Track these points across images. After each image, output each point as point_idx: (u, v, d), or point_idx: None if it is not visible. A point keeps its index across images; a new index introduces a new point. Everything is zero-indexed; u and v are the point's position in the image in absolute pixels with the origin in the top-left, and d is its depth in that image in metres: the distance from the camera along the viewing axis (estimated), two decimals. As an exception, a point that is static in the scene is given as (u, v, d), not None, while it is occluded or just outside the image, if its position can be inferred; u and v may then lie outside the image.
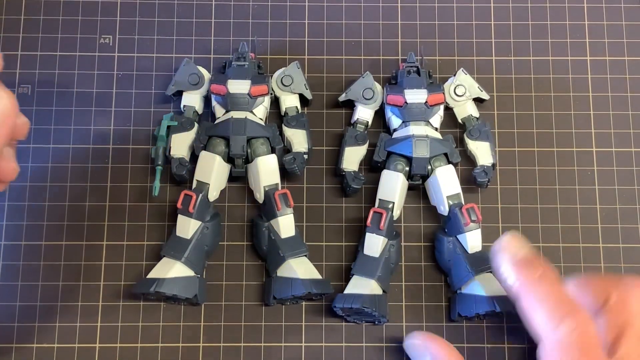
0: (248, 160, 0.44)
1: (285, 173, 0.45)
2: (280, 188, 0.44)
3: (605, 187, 0.47)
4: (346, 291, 0.43)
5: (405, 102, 0.44)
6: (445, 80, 0.47)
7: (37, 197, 0.46)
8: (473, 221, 0.43)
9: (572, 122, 0.48)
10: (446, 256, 0.44)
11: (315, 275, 0.43)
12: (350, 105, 0.47)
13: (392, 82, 0.47)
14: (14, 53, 0.48)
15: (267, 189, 0.44)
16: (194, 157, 0.45)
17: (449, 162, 0.44)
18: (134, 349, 0.43)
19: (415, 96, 0.44)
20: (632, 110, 0.48)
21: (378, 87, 0.46)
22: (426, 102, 0.44)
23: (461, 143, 0.46)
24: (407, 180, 0.44)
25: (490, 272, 0.42)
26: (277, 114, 0.47)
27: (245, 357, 0.44)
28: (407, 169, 0.44)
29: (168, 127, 0.45)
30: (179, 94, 0.46)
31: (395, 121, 0.45)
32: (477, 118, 0.46)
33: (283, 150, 0.45)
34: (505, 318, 0.44)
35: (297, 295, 0.42)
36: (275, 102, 0.47)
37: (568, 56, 0.49)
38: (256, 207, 0.46)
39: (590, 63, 0.49)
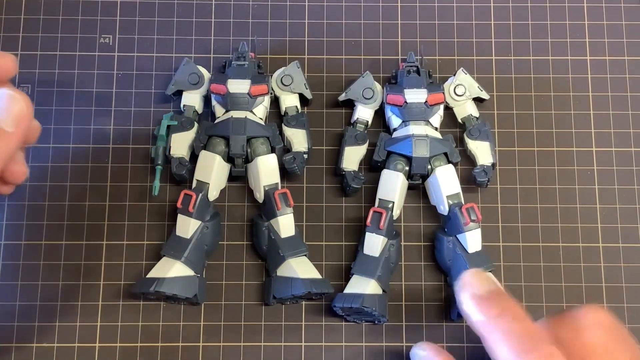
0: (248, 159, 0.44)
1: (285, 173, 0.45)
2: (280, 188, 0.44)
3: (605, 187, 0.47)
4: (346, 291, 0.43)
5: (405, 102, 0.44)
6: (445, 80, 0.47)
7: (37, 196, 0.46)
8: (473, 221, 0.43)
9: (572, 121, 0.48)
10: (446, 256, 0.44)
11: (315, 274, 0.43)
12: (350, 105, 0.47)
13: (392, 82, 0.47)
14: (14, 53, 0.48)
15: (267, 189, 0.44)
16: (193, 157, 0.45)
17: (449, 162, 0.44)
18: (134, 349, 0.43)
19: (415, 96, 0.44)
20: (632, 110, 0.48)
21: (378, 86, 0.46)
22: (426, 101, 0.44)
23: (461, 143, 0.46)
24: (407, 179, 0.44)
25: (491, 272, 0.42)
26: (277, 114, 0.47)
27: (245, 357, 0.44)
28: (407, 168, 0.44)
29: (168, 126, 0.45)
30: (178, 93, 0.46)
31: (395, 121, 0.45)
32: (477, 118, 0.46)
33: (283, 149, 0.45)
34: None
35: (297, 295, 0.42)
36: (275, 101, 0.47)
37: (568, 56, 0.49)
38: (256, 207, 0.46)
39: (590, 63, 0.49)
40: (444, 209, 0.44)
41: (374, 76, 0.47)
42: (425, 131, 0.44)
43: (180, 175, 0.44)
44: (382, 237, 0.43)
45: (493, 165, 0.45)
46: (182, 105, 0.46)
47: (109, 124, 0.47)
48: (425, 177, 0.44)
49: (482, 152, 0.45)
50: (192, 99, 0.46)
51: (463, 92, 0.46)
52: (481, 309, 0.34)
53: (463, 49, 0.49)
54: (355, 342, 0.44)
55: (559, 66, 0.49)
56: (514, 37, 0.49)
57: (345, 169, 0.45)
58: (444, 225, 0.45)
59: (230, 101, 0.44)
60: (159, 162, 0.45)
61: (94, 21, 0.49)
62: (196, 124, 0.45)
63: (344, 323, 0.44)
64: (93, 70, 0.48)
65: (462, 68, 0.46)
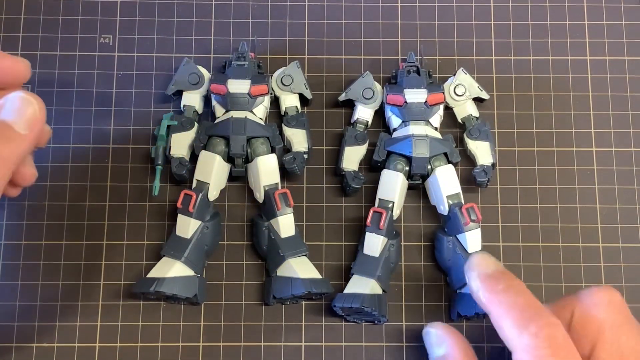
0: (248, 159, 0.44)
1: (285, 173, 0.45)
2: (280, 188, 0.44)
3: (605, 187, 0.47)
4: (346, 291, 0.43)
5: (405, 102, 0.44)
6: (445, 79, 0.47)
7: (37, 196, 0.46)
8: (473, 221, 0.43)
9: (572, 121, 0.48)
10: (446, 256, 0.44)
11: (315, 274, 0.43)
12: (350, 105, 0.47)
13: (392, 82, 0.47)
14: (13, 53, 0.48)
15: (267, 189, 0.44)
16: (194, 157, 0.45)
17: (449, 162, 0.44)
18: (134, 349, 0.43)
19: (415, 96, 0.44)
20: (632, 110, 0.48)
21: (378, 86, 0.46)
22: (426, 101, 0.44)
23: (461, 143, 0.46)
24: (407, 179, 0.44)
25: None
26: (277, 114, 0.47)
27: (245, 357, 0.44)
28: (407, 168, 0.44)
29: (168, 126, 0.45)
30: (178, 93, 0.46)
31: (395, 121, 0.45)
32: (477, 118, 0.46)
33: (283, 149, 0.45)
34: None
35: (296, 295, 0.42)
36: (275, 101, 0.47)
37: (568, 56, 0.49)
38: (256, 207, 0.46)
39: (590, 63, 0.49)
40: (444, 209, 0.44)
41: (374, 76, 0.47)
42: (425, 131, 0.44)
43: (180, 175, 0.44)
44: (382, 237, 0.43)
45: (493, 165, 0.45)
46: (182, 105, 0.46)
47: (109, 124, 0.47)
48: (425, 177, 0.44)
49: (482, 152, 0.45)
50: (192, 99, 0.46)
51: (463, 92, 0.46)
52: (487, 285, 0.36)
53: (463, 49, 0.49)
54: (355, 342, 0.44)
55: (559, 66, 0.49)
56: (514, 37, 0.49)
57: (345, 169, 0.45)
58: (444, 225, 0.45)
59: (230, 101, 0.44)
60: (159, 162, 0.45)
61: (94, 21, 0.49)
62: (196, 124, 0.45)
63: (344, 323, 0.44)
64: (93, 70, 0.48)
65: (462, 68, 0.47)
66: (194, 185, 0.44)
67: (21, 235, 0.45)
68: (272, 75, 0.46)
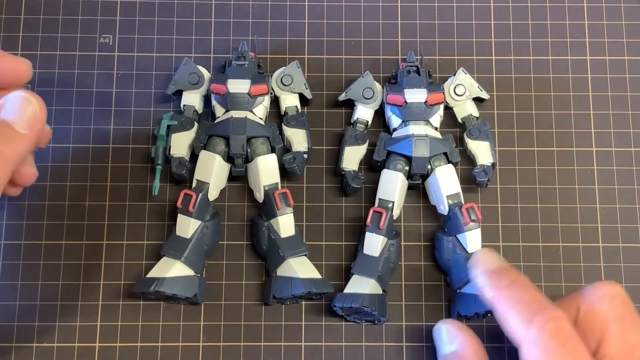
0: (248, 159, 0.44)
1: (285, 172, 0.45)
2: (280, 187, 0.44)
3: (605, 187, 0.47)
4: (346, 290, 0.43)
5: (405, 102, 0.44)
6: (445, 79, 0.47)
7: (37, 196, 0.46)
8: (473, 221, 0.43)
9: (572, 121, 0.48)
10: (446, 256, 0.44)
11: (315, 274, 0.43)
12: (350, 104, 0.47)
13: (392, 82, 0.47)
14: (13, 53, 0.48)
15: (267, 189, 0.44)
16: (193, 157, 0.45)
17: (449, 162, 0.44)
18: (134, 349, 0.43)
19: (415, 96, 0.44)
20: (632, 110, 0.48)
21: (378, 86, 0.46)
22: (426, 101, 0.44)
23: (461, 142, 0.46)
24: (407, 179, 0.44)
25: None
26: (277, 114, 0.47)
27: (245, 357, 0.44)
28: (407, 168, 0.44)
29: (168, 126, 0.45)
30: (178, 93, 0.46)
31: (395, 121, 0.45)
32: (477, 117, 0.46)
33: (283, 149, 0.45)
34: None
35: (296, 295, 0.42)
36: (275, 101, 0.47)
37: (568, 56, 0.49)
38: (256, 207, 0.46)
39: (590, 63, 0.49)
40: (444, 208, 0.44)
41: (374, 76, 0.47)
42: (425, 131, 0.44)
43: (180, 175, 0.44)
44: (382, 237, 0.43)
45: (493, 165, 0.45)
46: (182, 105, 0.46)
47: (109, 124, 0.47)
48: (425, 177, 0.44)
49: (482, 152, 0.45)
50: (192, 99, 0.46)
51: (463, 92, 0.46)
52: (492, 281, 0.36)
53: (463, 49, 0.49)
54: (355, 342, 0.44)
55: (559, 66, 0.49)
56: (514, 37, 0.49)
57: (345, 169, 0.45)
58: (444, 225, 0.45)
59: (230, 101, 0.44)
60: (159, 162, 0.45)
61: (94, 21, 0.49)
62: (196, 124, 0.45)
63: (344, 323, 0.44)
64: (93, 70, 0.48)
65: (462, 68, 0.47)
66: (194, 185, 0.44)
67: (21, 235, 0.45)
68: (272, 75, 0.46)
